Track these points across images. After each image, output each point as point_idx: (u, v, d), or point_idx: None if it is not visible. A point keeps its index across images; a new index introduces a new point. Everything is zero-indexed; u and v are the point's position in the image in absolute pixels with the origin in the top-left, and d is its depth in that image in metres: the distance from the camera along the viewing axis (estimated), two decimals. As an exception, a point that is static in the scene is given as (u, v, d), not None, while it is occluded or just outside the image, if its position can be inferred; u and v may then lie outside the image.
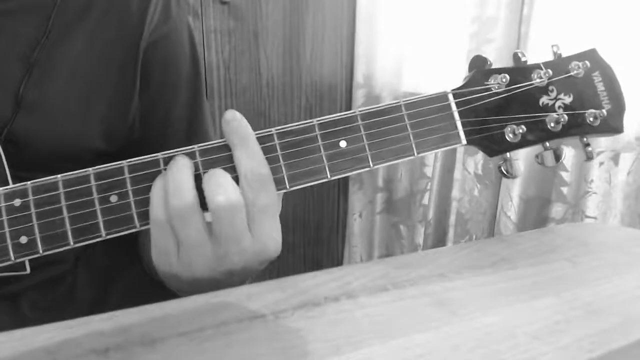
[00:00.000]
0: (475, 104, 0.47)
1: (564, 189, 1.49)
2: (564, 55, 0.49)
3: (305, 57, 1.65)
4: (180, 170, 0.40)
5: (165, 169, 0.41)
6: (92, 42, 0.54)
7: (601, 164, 1.41)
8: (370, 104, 1.69)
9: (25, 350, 0.35)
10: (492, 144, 0.48)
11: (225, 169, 0.42)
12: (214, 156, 0.42)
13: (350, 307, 0.41)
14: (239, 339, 0.36)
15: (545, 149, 0.48)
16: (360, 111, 0.45)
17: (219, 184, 0.40)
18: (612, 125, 0.48)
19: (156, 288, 0.62)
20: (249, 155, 0.41)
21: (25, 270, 0.42)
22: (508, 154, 0.48)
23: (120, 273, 0.65)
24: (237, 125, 0.41)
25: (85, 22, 0.54)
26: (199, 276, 0.42)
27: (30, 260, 0.41)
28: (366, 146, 0.44)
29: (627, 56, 1.24)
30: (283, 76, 1.63)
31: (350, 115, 0.45)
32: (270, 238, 0.42)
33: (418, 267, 0.47)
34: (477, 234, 1.71)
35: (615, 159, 1.41)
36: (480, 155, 1.63)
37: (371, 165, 0.45)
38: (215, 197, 0.40)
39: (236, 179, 0.41)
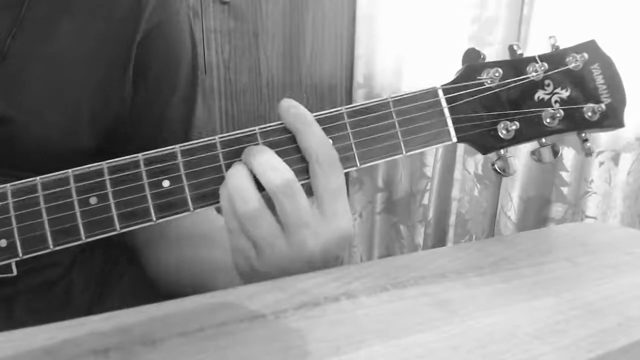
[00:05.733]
0: (467, 100, 0.46)
1: (564, 189, 1.49)
2: (562, 47, 0.48)
3: (305, 57, 1.65)
4: (237, 176, 0.41)
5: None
6: (78, 37, 0.52)
7: (601, 164, 1.41)
8: (370, 104, 1.69)
9: (25, 351, 0.35)
10: (485, 141, 0.46)
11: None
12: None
13: (350, 307, 0.41)
14: (239, 339, 0.36)
15: (541, 145, 0.47)
16: (346, 108, 0.44)
17: (269, 164, 0.41)
18: (612, 120, 0.47)
19: (153, 292, 0.61)
20: (316, 138, 0.42)
21: (12, 272, 0.41)
22: (502, 150, 0.47)
23: (117, 277, 0.64)
24: (296, 111, 0.42)
25: (69, 17, 0.52)
26: (283, 269, 0.43)
27: (24, 263, 0.41)
28: (352, 145, 0.44)
29: (628, 56, 1.24)
30: (283, 76, 1.63)
31: (336, 112, 0.44)
32: (342, 217, 0.43)
33: (418, 267, 0.47)
34: (477, 234, 1.71)
35: (615, 159, 1.41)
36: (480, 155, 1.63)
37: (358, 164, 0.44)
38: (269, 178, 0.40)
39: (298, 162, 0.42)
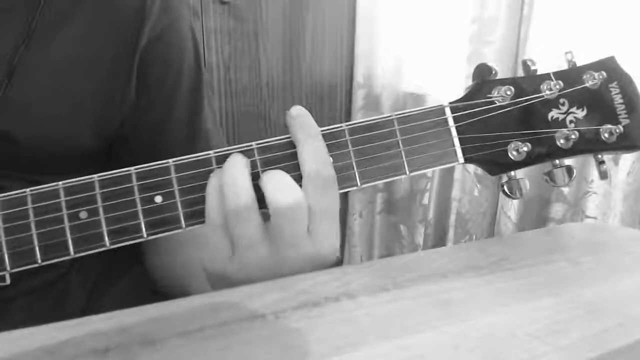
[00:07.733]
0: (476, 119, 0.44)
1: (564, 189, 1.49)
2: (578, 63, 0.45)
3: (305, 57, 1.65)
4: (235, 168, 0.39)
5: (217, 168, 0.40)
6: (82, 41, 0.52)
7: (601, 163, 1.41)
8: (371, 104, 1.69)
9: (25, 351, 0.35)
10: (493, 163, 0.45)
11: (284, 167, 0.41)
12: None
13: (350, 307, 0.41)
14: (239, 339, 0.36)
15: (555, 166, 0.45)
16: (348, 125, 0.42)
17: (281, 183, 0.39)
18: (630, 142, 0.44)
19: (153, 292, 0.61)
20: (315, 154, 0.40)
21: (5, 281, 0.41)
22: (513, 172, 0.46)
23: (117, 277, 0.64)
24: (303, 122, 0.40)
25: (74, 21, 0.52)
26: (252, 278, 0.42)
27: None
28: (354, 164, 0.42)
29: (628, 57, 1.24)
30: (283, 76, 1.63)
31: (337, 129, 0.42)
32: (327, 242, 0.41)
33: (418, 267, 0.47)
34: (477, 234, 1.70)
35: (615, 159, 1.41)
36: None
37: (359, 184, 0.42)
38: (276, 196, 0.39)
39: (297, 179, 0.40)
